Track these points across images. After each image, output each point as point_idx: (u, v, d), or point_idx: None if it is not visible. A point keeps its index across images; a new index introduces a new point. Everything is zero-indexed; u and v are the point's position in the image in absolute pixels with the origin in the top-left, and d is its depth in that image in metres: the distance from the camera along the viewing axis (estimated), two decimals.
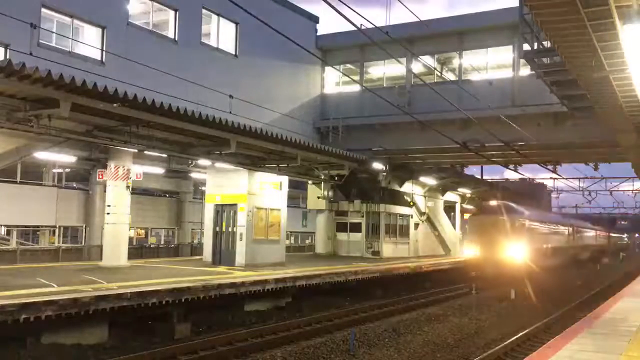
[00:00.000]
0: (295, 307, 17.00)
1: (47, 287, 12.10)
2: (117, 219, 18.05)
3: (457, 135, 22.19)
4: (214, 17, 23.66)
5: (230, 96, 17.22)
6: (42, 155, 18.56)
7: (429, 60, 26.78)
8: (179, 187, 27.41)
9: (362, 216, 29.43)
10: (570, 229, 38.10)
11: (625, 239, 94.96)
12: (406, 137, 25.64)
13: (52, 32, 18.29)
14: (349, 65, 29.52)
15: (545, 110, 22.69)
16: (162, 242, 31.30)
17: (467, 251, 27.05)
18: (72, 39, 18.25)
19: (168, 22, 22.07)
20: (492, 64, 26.48)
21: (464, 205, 38.94)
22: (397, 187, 30.19)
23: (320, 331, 14.21)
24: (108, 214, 18.10)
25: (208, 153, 18.51)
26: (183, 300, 12.88)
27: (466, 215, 35.71)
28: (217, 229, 20.76)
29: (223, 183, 20.75)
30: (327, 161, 22.93)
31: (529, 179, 40.94)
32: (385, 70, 28.30)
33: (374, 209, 29.25)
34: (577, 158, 29.58)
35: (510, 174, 50.66)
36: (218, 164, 19.52)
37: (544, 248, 29.37)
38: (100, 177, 18.72)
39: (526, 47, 18.25)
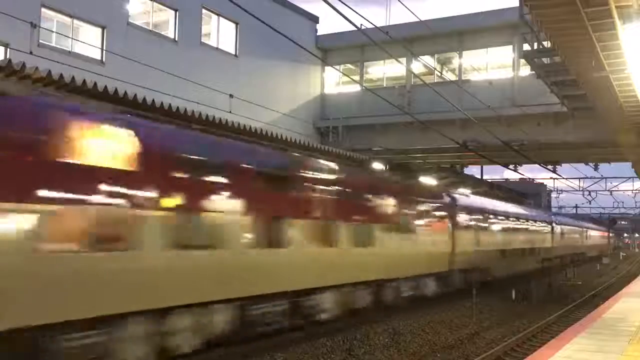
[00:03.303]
0: None
1: None
2: None
3: (457, 135, 22.20)
4: (214, 17, 23.67)
5: (231, 96, 17.23)
6: None
7: (429, 60, 26.80)
8: None
9: None
10: None
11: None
12: (406, 137, 25.66)
13: (52, 32, 18.29)
14: (349, 65, 29.54)
15: (545, 110, 22.72)
16: None
17: None
18: (72, 39, 18.25)
19: (168, 22, 22.08)
20: (492, 64, 26.51)
21: None
22: None
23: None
24: None
25: None
26: None
27: None
28: None
29: None
30: None
31: (529, 179, 40.91)
32: (385, 70, 28.32)
33: None
34: (577, 158, 29.61)
35: (510, 174, 50.84)
36: None
37: None
38: None
39: (526, 47, 18.29)
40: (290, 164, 12.47)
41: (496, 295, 21.32)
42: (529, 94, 23.24)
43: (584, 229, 54.49)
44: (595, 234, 65.01)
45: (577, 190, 50.33)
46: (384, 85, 27.90)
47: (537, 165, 27.82)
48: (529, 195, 48.03)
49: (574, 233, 48.13)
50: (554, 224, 37.84)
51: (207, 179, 9.91)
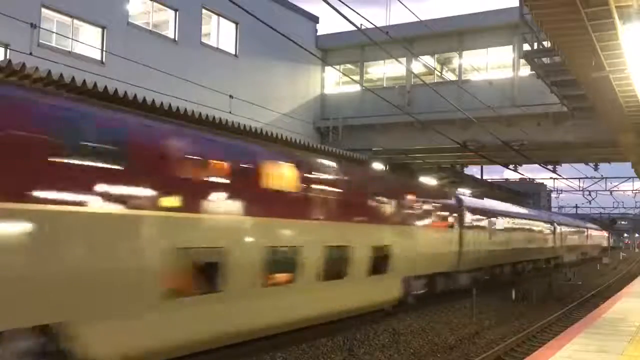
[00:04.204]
0: None
1: None
2: None
3: (457, 135, 22.18)
4: (214, 17, 23.67)
5: (230, 96, 17.22)
6: None
7: (429, 60, 26.79)
8: None
9: None
10: None
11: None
12: (406, 137, 25.64)
13: (52, 32, 18.29)
14: (349, 65, 29.53)
15: (545, 110, 22.71)
16: None
17: None
18: (72, 39, 18.25)
19: (168, 22, 22.07)
20: (492, 64, 26.48)
21: None
22: None
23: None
24: None
25: None
26: None
27: None
28: None
29: None
30: None
31: (529, 179, 40.92)
32: (385, 70, 28.30)
33: None
34: (577, 158, 29.60)
35: (510, 174, 50.91)
36: None
37: None
38: None
39: (526, 47, 18.28)
40: None
41: (496, 295, 21.34)
42: (529, 94, 23.23)
43: (560, 226, 41.17)
44: (583, 232, 53.70)
45: (577, 190, 50.38)
46: (384, 85, 27.88)
47: (537, 165, 27.79)
48: (528, 195, 47.97)
49: (535, 229, 33.59)
50: (492, 217, 24.55)
51: None
